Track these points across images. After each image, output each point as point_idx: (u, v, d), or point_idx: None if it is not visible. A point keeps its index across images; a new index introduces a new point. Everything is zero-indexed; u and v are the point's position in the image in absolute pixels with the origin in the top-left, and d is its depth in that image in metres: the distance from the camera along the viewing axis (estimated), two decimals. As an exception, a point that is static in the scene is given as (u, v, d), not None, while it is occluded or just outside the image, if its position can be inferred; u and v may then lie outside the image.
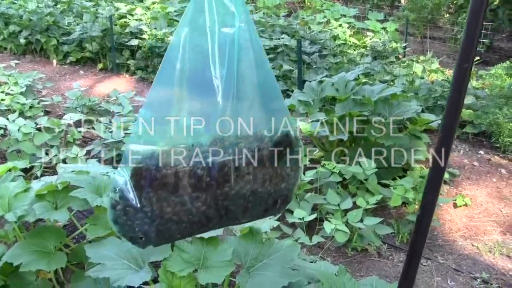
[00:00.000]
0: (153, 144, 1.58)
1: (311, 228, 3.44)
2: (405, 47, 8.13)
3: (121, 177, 1.57)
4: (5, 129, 4.32)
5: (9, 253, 2.45)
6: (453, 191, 4.20)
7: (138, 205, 1.56)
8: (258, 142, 1.68)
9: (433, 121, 4.12)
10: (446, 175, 4.09)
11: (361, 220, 3.21)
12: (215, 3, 1.57)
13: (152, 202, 1.57)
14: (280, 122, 1.75)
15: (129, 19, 7.94)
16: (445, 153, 1.45)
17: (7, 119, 4.30)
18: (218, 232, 2.41)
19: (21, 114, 4.75)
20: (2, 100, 5.10)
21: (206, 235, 2.40)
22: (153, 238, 1.64)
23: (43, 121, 4.32)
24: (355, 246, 3.30)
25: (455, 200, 3.99)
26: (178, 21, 7.96)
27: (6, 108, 4.94)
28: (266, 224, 2.64)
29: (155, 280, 2.34)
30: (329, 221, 3.16)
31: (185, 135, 1.59)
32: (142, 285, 2.20)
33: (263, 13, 9.17)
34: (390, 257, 3.34)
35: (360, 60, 6.73)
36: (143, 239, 1.64)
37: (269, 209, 1.81)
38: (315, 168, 3.78)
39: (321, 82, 4.56)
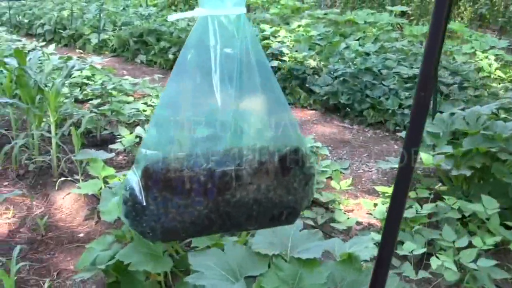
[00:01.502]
0: (161, 148, 1.69)
1: (423, 262, 3.33)
2: (558, 83, 7.63)
3: (134, 176, 1.72)
4: (141, 138, 4.61)
5: (122, 251, 2.62)
6: None
7: (144, 204, 1.68)
8: (263, 155, 1.73)
9: None
10: None
11: (475, 261, 3.06)
12: (218, 25, 1.65)
13: (157, 202, 1.70)
14: (287, 138, 1.79)
15: (272, 41, 8.16)
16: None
17: (144, 129, 4.59)
18: (317, 254, 2.42)
19: (158, 125, 5.03)
20: (144, 110, 5.45)
21: (304, 256, 2.42)
22: (160, 235, 1.77)
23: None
24: (467, 287, 3.14)
25: None
26: (320, 45, 8.08)
27: (145, 118, 5.27)
28: (367, 252, 2.60)
29: (249, 294, 2.39)
30: (437, 257, 3.04)
31: (190, 144, 1.69)
32: (235, 298, 2.26)
33: (408, 41, 9.02)
34: (505, 303, 3.15)
35: (504, 94, 6.42)
36: (151, 234, 1.78)
37: (275, 219, 1.84)
38: (436, 202, 3.67)
39: (452, 114, 4.42)
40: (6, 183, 4.33)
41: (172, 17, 1.78)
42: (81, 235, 3.61)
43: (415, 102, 1.35)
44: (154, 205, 1.71)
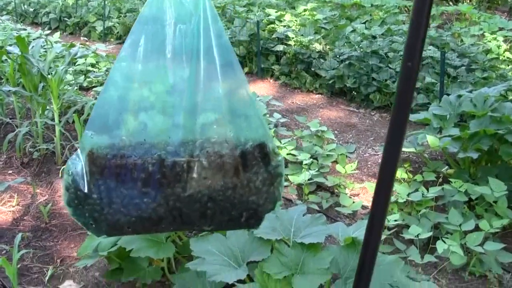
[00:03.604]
0: (108, 132, 1.57)
1: (429, 246, 3.30)
2: None
3: (78, 161, 1.59)
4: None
5: (124, 238, 2.60)
6: None
7: (86, 191, 1.57)
8: (220, 148, 1.59)
9: None
10: None
11: (482, 244, 3.02)
12: (173, 0, 1.57)
13: (100, 190, 1.57)
14: (251, 131, 1.64)
15: (277, 25, 8.09)
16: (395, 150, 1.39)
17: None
18: (320, 239, 2.39)
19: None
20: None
21: (307, 240, 2.39)
22: (104, 227, 1.64)
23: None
24: (473, 271, 3.10)
25: None
26: (326, 29, 8.00)
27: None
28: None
29: (251, 279, 2.37)
30: (443, 241, 3.00)
31: (140, 129, 1.58)
32: (238, 283, 2.23)
33: (415, 23, 8.92)
34: (512, 287, 3.11)
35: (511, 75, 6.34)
36: (94, 226, 1.64)
37: (234, 221, 1.69)
38: (442, 185, 3.62)
39: (459, 96, 4.36)
40: (11, 171, 4.32)
41: None
42: (85, 222, 3.59)
43: (402, 73, 1.28)
44: (97, 193, 1.57)
